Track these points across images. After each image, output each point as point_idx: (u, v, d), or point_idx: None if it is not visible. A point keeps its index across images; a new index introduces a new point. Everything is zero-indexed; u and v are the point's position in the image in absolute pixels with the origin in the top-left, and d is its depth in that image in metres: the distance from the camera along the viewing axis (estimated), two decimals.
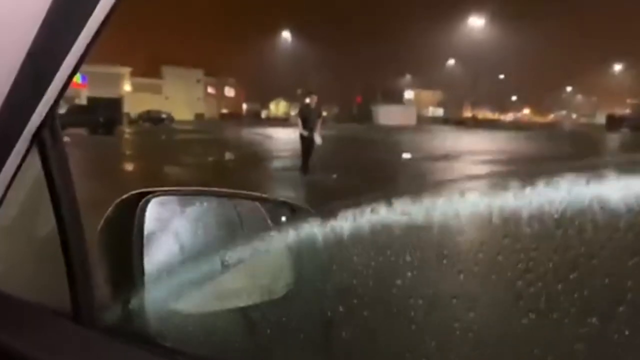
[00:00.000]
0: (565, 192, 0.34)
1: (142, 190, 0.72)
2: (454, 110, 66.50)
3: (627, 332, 0.35)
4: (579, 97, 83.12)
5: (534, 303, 0.37)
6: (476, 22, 64.75)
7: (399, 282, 0.41)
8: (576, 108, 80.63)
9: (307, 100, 10.40)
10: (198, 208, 0.81)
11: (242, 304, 0.75)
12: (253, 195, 0.91)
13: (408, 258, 0.40)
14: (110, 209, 0.70)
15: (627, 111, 48.93)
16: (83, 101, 28.63)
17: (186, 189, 0.83)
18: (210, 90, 62.25)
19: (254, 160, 13.07)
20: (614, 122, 41.43)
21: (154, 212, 0.71)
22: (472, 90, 66.66)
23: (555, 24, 69.09)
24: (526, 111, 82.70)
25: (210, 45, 72.78)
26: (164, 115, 39.76)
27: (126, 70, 50.33)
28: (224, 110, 61.13)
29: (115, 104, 27.57)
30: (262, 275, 0.76)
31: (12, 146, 0.58)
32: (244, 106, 66.43)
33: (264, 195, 0.96)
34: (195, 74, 59.22)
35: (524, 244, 0.36)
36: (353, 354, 0.51)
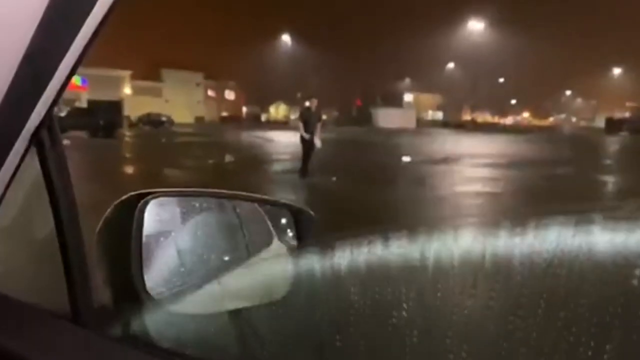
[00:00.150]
0: (555, 236, 0.35)
1: (141, 191, 0.72)
2: (453, 114, 66.60)
3: None
4: (579, 100, 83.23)
5: (525, 340, 0.37)
6: (476, 26, 64.97)
7: (394, 313, 0.41)
8: (575, 111, 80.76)
9: (307, 104, 10.44)
10: (197, 209, 0.81)
11: (241, 306, 0.74)
12: (253, 196, 0.91)
13: (403, 292, 0.41)
14: (109, 210, 0.70)
15: (627, 114, 49.05)
16: (83, 104, 28.66)
17: (186, 190, 0.83)
18: (210, 93, 62.36)
19: (254, 163, 13.08)
20: (613, 125, 41.52)
21: (153, 213, 0.70)
22: (471, 93, 66.78)
23: (554, 28, 69.32)
24: (526, 114, 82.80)
25: (210, 48, 73.00)
26: (164, 118, 39.80)
27: (126, 73, 50.43)
28: (224, 114, 61.22)
29: (115, 106, 27.54)
30: (261, 277, 0.76)
31: (10, 147, 0.58)
32: (244, 109, 66.52)
33: (263, 197, 0.96)
34: (195, 77, 59.34)
35: (515, 283, 0.37)
36: None
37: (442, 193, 8.83)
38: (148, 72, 55.75)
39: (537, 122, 77.04)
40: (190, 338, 0.69)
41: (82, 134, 21.21)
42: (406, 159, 14.44)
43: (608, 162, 16.58)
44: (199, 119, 56.03)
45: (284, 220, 0.94)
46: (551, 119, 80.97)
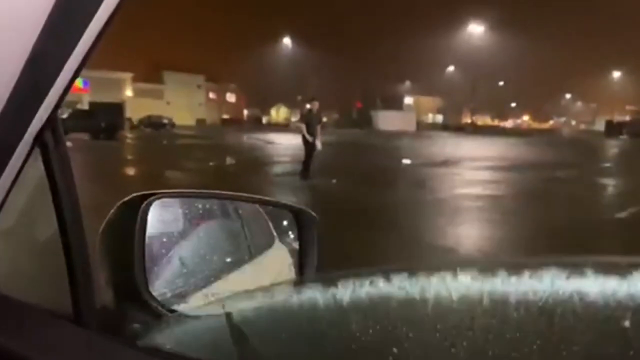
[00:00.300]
0: (548, 283, 0.39)
1: (144, 192, 0.72)
2: (453, 117, 66.67)
3: None
4: (578, 103, 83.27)
5: None
6: (476, 29, 65.01)
7: (394, 350, 0.43)
8: (575, 114, 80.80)
9: (309, 106, 10.46)
10: (200, 210, 0.81)
11: (244, 307, 0.74)
12: (254, 197, 0.91)
13: (403, 330, 0.44)
14: (112, 211, 0.70)
15: (626, 118, 49.08)
16: (85, 106, 28.65)
17: (188, 191, 0.83)
18: (211, 95, 62.46)
19: (255, 165, 13.09)
20: (612, 129, 41.56)
21: (155, 214, 0.71)
22: (471, 96, 66.74)
23: (554, 31, 69.38)
24: (525, 117, 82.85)
25: (211, 51, 73.10)
26: (165, 121, 39.88)
27: (128, 76, 50.48)
28: (225, 116, 61.32)
29: (117, 108, 27.54)
30: (264, 277, 0.76)
31: (14, 149, 0.59)
32: (245, 112, 66.62)
33: (265, 198, 0.96)
34: (197, 79, 59.46)
35: (510, 326, 0.39)
36: None
37: (442, 196, 8.82)
38: (149, 75, 55.87)
39: (537, 125, 77.12)
40: (192, 340, 0.69)
41: (83, 136, 21.22)
42: (406, 161, 14.45)
43: (608, 165, 16.58)
44: (200, 122, 56.10)
45: (285, 222, 0.94)
46: (551, 122, 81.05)
